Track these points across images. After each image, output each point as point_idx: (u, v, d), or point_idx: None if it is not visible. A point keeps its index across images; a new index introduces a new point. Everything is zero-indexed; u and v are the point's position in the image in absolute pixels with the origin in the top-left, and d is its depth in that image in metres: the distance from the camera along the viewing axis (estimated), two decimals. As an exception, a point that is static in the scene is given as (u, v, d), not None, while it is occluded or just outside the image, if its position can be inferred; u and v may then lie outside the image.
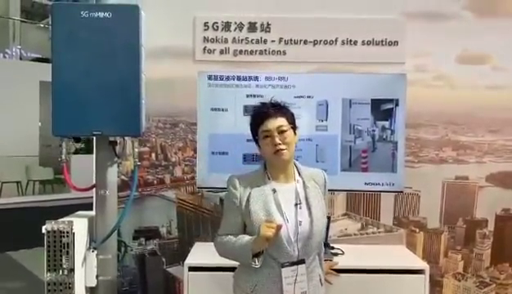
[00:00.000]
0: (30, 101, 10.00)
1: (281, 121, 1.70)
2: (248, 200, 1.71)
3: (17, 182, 8.66)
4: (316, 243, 1.73)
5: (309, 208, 1.72)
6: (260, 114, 1.73)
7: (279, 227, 1.60)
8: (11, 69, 10.24)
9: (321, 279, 1.80)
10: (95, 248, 2.22)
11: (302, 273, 1.69)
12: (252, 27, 2.81)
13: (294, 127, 1.75)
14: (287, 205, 1.72)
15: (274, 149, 1.68)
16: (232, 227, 1.74)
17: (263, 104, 1.76)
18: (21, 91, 9.72)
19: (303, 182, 1.77)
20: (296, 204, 1.72)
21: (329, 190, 2.70)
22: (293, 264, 1.68)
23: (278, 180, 1.76)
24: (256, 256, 1.64)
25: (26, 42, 11.95)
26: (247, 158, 2.66)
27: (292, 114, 1.77)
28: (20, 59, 11.80)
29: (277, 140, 1.68)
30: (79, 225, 2.15)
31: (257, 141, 1.76)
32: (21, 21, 12.23)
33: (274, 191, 1.72)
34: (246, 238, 1.68)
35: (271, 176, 1.76)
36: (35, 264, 2.64)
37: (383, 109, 2.71)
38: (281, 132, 1.69)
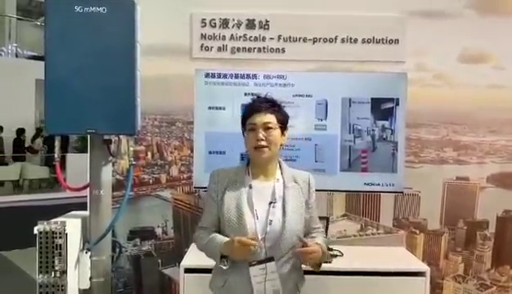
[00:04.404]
0: (26, 99, 9.95)
1: (270, 118, 1.69)
2: (223, 194, 1.72)
3: (13, 181, 8.61)
4: (289, 245, 1.67)
5: (284, 208, 1.69)
6: (251, 107, 1.73)
7: (253, 244, 1.57)
8: (7, 67, 10.19)
9: (298, 286, 1.75)
10: (88, 249, 2.17)
11: (272, 271, 1.65)
12: (250, 24, 2.76)
13: (284, 128, 1.73)
14: (260, 202, 1.69)
15: (255, 143, 1.68)
16: (209, 221, 1.76)
17: (258, 97, 1.76)
18: (17, 89, 9.66)
19: (284, 182, 1.74)
20: (270, 203, 1.70)
21: (328, 191, 2.76)
22: (260, 262, 1.65)
23: (258, 178, 1.74)
24: (225, 256, 1.65)
25: (22, 40, 11.89)
26: (244, 158, 2.61)
27: (284, 115, 1.75)
28: (16, 57, 11.73)
29: (260, 136, 1.67)
30: (72, 226, 2.10)
31: (244, 133, 1.76)
32: (17, 19, 12.15)
33: (250, 187, 1.71)
34: (218, 239, 1.68)
35: (251, 173, 1.75)
36: (29, 263, 2.59)
37: (383, 109, 2.68)
38: (267, 129, 1.68)
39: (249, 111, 1.73)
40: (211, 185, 1.78)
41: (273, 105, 1.73)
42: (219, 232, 1.74)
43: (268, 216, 1.67)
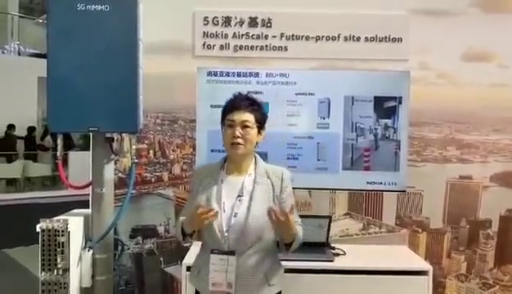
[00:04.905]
0: (28, 97, 9.96)
1: (248, 116, 1.74)
2: (198, 188, 1.80)
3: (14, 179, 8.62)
4: (254, 237, 1.70)
5: (250, 202, 1.72)
6: (231, 104, 1.78)
7: (210, 213, 1.63)
8: (10, 65, 10.20)
9: (268, 279, 1.75)
10: (91, 247, 2.17)
11: (231, 265, 1.69)
12: (253, 22, 2.75)
13: (261, 127, 1.79)
14: (230, 196, 1.75)
15: (232, 140, 1.73)
16: (187, 214, 1.80)
17: (239, 94, 1.82)
18: (19, 86, 9.67)
19: (255, 177, 1.78)
20: (238, 196, 1.75)
21: (330, 189, 2.75)
22: (223, 253, 1.69)
23: (232, 173, 1.80)
24: (190, 235, 1.73)
25: (24, 37, 11.89)
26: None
27: (263, 114, 1.80)
28: (19, 54, 11.73)
29: (237, 133, 1.72)
30: (75, 224, 2.10)
31: (223, 127, 1.81)
32: (20, 17, 12.15)
33: (221, 182, 1.78)
34: (180, 219, 1.77)
35: (226, 168, 1.81)
36: (31, 261, 2.60)
37: (386, 107, 2.68)
38: (245, 127, 1.73)
39: (229, 107, 1.78)
40: (191, 180, 1.92)
41: (253, 104, 1.77)
42: None
43: (234, 208, 1.72)
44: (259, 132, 1.78)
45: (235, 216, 1.71)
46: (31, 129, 9.86)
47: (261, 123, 1.78)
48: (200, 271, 1.77)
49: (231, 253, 1.69)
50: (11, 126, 9.49)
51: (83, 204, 2.40)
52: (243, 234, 1.70)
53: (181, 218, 1.77)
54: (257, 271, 1.73)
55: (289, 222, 1.65)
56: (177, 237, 1.82)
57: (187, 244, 1.79)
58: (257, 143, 1.79)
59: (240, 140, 1.72)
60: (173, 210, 2.86)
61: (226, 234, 1.70)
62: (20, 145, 9.71)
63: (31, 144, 9.82)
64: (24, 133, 9.88)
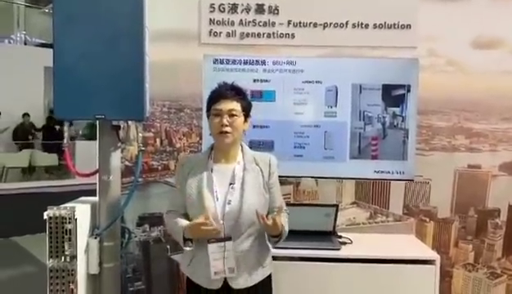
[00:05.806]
0: (35, 87, 10.00)
1: (235, 105, 1.78)
2: (187, 178, 1.82)
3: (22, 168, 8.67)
4: (248, 223, 1.75)
5: (242, 189, 1.77)
6: (217, 93, 1.81)
7: (201, 223, 1.68)
8: (16, 55, 10.22)
9: (260, 261, 1.82)
10: (98, 235, 2.18)
11: (229, 250, 1.73)
12: (260, 9, 2.72)
13: (247, 116, 1.83)
14: (221, 185, 1.79)
15: (220, 129, 1.77)
16: (177, 205, 1.87)
17: (225, 84, 1.84)
18: (26, 76, 9.70)
19: (244, 164, 1.82)
20: (230, 184, 1.79)
21: (337, 178, 2.74)
22: (219, 240, 1.73)
23: (219, 161, 1.84)
24: (191, 240, 1.76)
25: (31, 27, 11.90)
26: (253, 145, 2.60)
27: (248, 103, 1.85)
28: (25, 44, 11.76)
29: (225, 121, 1.76)
30: (82, 211, 2.11)
31: (209, 117, 1.84)
32: (26, 6, 12.15)
33: (211, 170, 1.81)
34: (179, 224, 1.78)
35: (214, 157, 1.85)
36: (39, 249, 2.62)
37: (394, 95, 2.66)
38: (231, 116, 1.77)
39: (215, 97, 1.81)
40: (178, 170, 1.92)
41: (239, 93, 1.81)
42: (187, 214, 1.83)
43: (227, 196, 1.76)
44: (245, 120, 1.82)
45: (229, 204, 1.76)
46: (49, 118, 9.79)
47: (247, 111, 1.82)
48: (193, 260, 1.81)
49: (228, 239, 1.74)
50: (25, 114, 9.53)
51: (91, 193, 2.41)
52: (238, 221, 1.75)
53: (180, 223, 1.77)
54: (249, 254, 1.79)
55: (277, 225, 1.70)
56: (175, 239, 1.84)
57: (188, 248, 1.78)
58: (244, 131, 1.84)
59: (228, 129, 1.76)
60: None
61: (221, 222, 1.74)
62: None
63: (51, 133, 9.73)
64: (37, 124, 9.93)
